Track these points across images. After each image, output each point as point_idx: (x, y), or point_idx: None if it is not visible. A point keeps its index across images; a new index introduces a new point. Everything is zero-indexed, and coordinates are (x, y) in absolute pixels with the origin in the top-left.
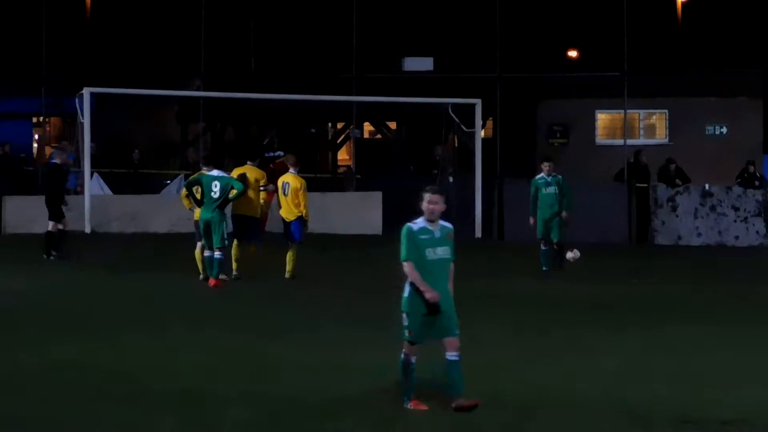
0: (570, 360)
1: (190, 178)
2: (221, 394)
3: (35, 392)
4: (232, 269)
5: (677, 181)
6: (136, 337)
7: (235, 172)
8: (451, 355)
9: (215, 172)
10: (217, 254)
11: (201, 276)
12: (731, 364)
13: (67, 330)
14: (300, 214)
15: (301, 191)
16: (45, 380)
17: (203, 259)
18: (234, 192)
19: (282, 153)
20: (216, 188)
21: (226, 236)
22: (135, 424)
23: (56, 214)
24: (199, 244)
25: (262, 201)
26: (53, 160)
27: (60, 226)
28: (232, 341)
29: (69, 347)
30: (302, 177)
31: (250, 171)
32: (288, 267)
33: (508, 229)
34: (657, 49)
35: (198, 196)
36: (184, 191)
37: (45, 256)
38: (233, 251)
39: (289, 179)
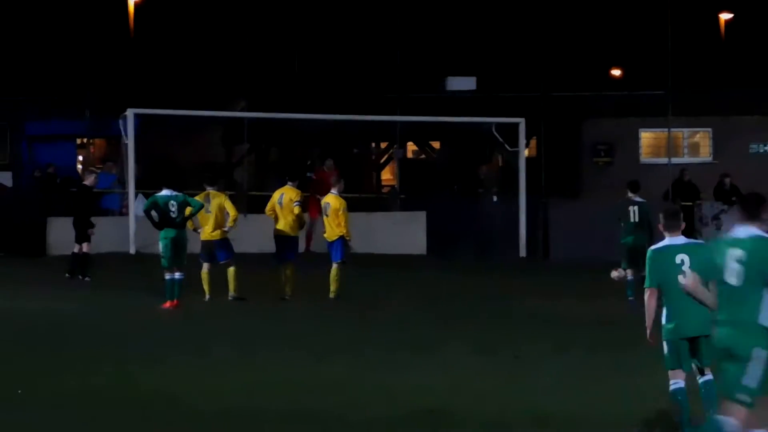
0: (615, 380)
1: (146, 203)
2: (268, 414)
3: (78, 414)
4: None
5: (733, 198)
6: (180, 358)
7: (277, 194)
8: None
9: (166, 192)
10: (177, 275)
11: (207, 296)
12: None
13: (110, 352)
14: (341, 234)
15: (341, 211)
16: (88, 402)
17: (209, 280)
18: (190, 209)
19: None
20: (174, 208)
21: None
22: None
23: (82, 237)
24: (205, 266)
25: (295, 217)
26: (83, 182)
27: (85, 249)
28: (276, 362)
29: (112, 369)
30: (345, 197)
31: (288, 191)
32: (332, 287)
33: (553, 248)
34: (700, 67)
35: (156, 219)
36: (186, 213)
37: (67, 274)
38: (287, 273)
39: (330, 200)
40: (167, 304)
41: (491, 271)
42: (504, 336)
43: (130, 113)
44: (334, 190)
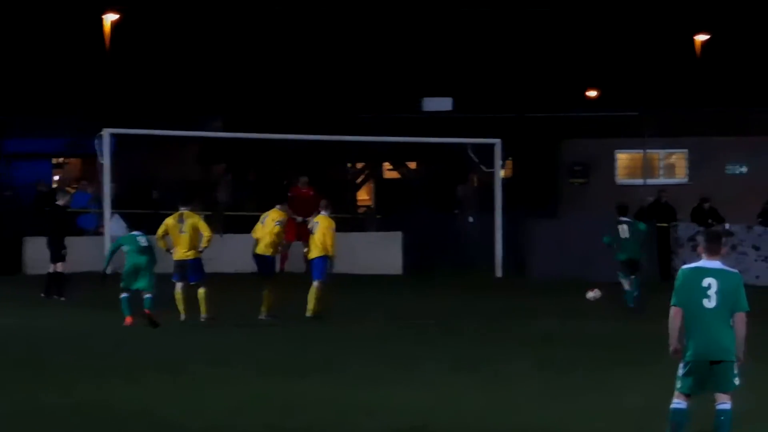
0: (591, 397)
1: (117, 241)
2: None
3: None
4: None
5: (710, 220)
6: (158, 376)
7: (263, 216)
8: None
9: (137, 233)
10: (147, 295)
11: (183, 316)
12: (758, 403)
13: (88, 369)
14: (324, 254)
15: (329, 230)
16: (66, 420)
17: (184, 299)
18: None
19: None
20: (143, 239)
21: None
22: None
23: (57, 256)
24: (179, 285)
25: (276, 236)
26: (57, 202)
27: (59, 269)
28: (255, 379)
29: (90, 387)
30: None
31: (273, 212)
32: (309, 305)
33: (530, 268)
34: (676, 88)
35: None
36: (159, 232)
37: (43, 294)
38: (265, 292)
39: (321, 219)
40: (129, 320)
41: (468, 291)
42: (483, 354)
43: (106, 133)
44: (324, 212)
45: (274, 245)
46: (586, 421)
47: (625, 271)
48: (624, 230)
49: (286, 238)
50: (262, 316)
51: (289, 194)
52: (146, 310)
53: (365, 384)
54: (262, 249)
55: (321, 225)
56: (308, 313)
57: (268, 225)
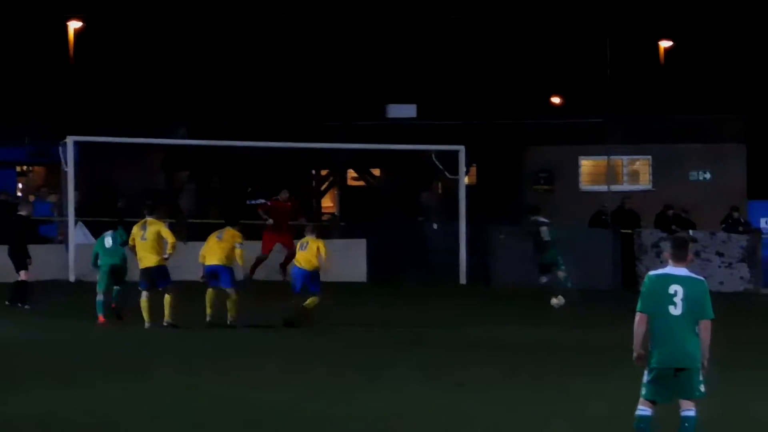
0: (556, 405)
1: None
2: None
3: None
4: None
5: (673, 227)
6: (123, 385)
7: (218, 231)
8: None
9: (109, 232)
10: (116, 287)
11: (147, 323)
12: (725, 408)
13: (51, 379)
14: (317, 266)
15: (321, 249)
16: (28, 430)
17: (149, 307)
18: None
19: (263, 200)
20: (109, 240)
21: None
22: None
23: (21, 265)
24: (144, 294)
25: (239, 260)
26: (19, 212)
27: (23, 277)
28: (220, 388)
29: (51, 396)
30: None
31: (230, 231)
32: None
33: (494, 275)
34: (640, 94)
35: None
36: (130, 242)
37: (7, 302)
38: (207, 298)
39: (309, 241)
40: (102, 319)
41: (433, 298)
42: (448, 362)
43: (69, 140)
44: (311, 234)
45: (232, 258)
46: (550, 428)
47: (546, 272)
48: (545, 232)
49: (262, 251)
50: (229, 321)
51: (269, 204)
52: (112, 304)
53: (329, 393)
54: (218, 262)
55: (310, 245)
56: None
57: (228, 240)
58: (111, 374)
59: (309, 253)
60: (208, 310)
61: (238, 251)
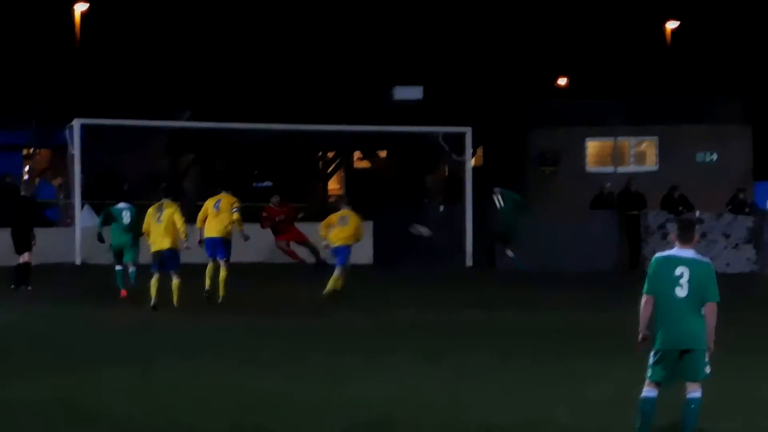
0: (559, 388)
1: (102, 215)
2: (209, 429)
3: (21, 428)
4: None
5: (680, 208)
6: (121, 370)
7: (212, 200)
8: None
9: (122, 205)
10: (132, 268)
11: (153, 301)
12: (731, 390)
13: (52, 364)
14: (352, 243)
15: (357, 221)
16: (32, 415)
17: (158, 288)
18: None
19: (270, 183)
20: (126, 216)
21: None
22: None
23: (22, 247)
24: (155, 275)
25: (238, 226)
26: (21, 193)
27: (26, 259)
28: (220, 373)
29: (52, 381)
30: (291, 207)
31: (225, 197)
32: (331, 286)
33: (499, 257)
34: (646, 76)
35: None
36: (144, 227)
37: (12, 286)
38: (207, 271)
39: (347, 214)
40: (124, 293)
41: (437, 281)
42: (449, 345)
43: (76, 123)
44: (346, 207)
45: (231, 229)
46: (552, 412)
47: (501, 243)
48: (498, 201)
49: (286, 237)
50: (218, 299)
51: (263, 214)
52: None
53: (328, 377)
54: (216, 234)
55: (352, 219)
56: (324, 292)
57: (226, 209)
58: (113, 359)
59: (350, 228)
60: (207, 282)
61: (235, 216)
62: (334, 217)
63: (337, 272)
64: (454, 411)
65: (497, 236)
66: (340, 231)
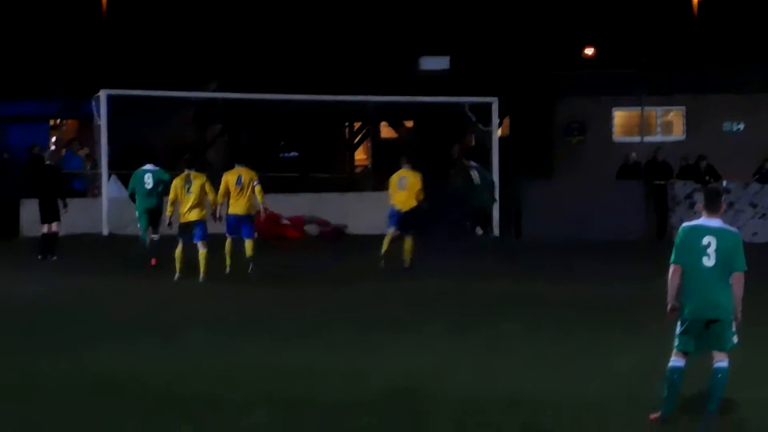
0: (585, 359)
1: (131, 183)
2: (238, 399)
3: (48, 399)
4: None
5: (707, 177)
6: (152, 341)
7: (231, 175)
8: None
9: (147, 166)
10: (155, 237)
11: (177, 275)
12: (750, 363)
13: (83, 334)
14: (416, 204)
15: (420, 182)
16: (58, 387)
17: (183, 259)
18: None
19: (296, 154)
20: (149, 180)
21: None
22: (153, 429)
23: (48, 217)
24: (180, 245)
25: (259, 197)
26: (46, 162)
27: (44, 230)
28: (248, 344)
29: (85, 352)
30: (317, 177)
31: (245, 172)
32: (407, 256)
33: (526, 228)
34: (673, 45)
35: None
36: (171, 197)
37: (39, 256)
38: (227, 248)
39: (407, 174)
40: (153, 261)
41: (464, 251)
42: (476, 317)
43: (102, 94)
44: (406, 166)
45: (253, 205)
46: (579, 383)
47: (474, 222)
48: (475, 176)
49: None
50: (406, 264)
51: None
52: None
53: (357, 348)
54: (242, 211)
55: (409, 180)
56: (405, 265)
57: (247, 186)
58: (139, 330)
59: (410, 192)
60: (228, 260)
61: (257, 188)
62: (394, 178)
63: (409, 239)
64: (482, 382)
65: (471, 213)
66: (399, 195)
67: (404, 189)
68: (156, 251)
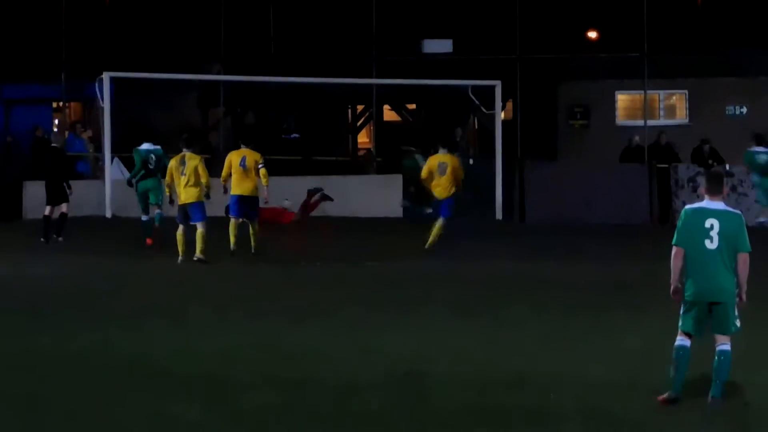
0: (592, 341)
1: (135, 169)
2: (244, 379)
3: (57, 378)
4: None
5: (710, 161)
6: (157, 321)
7: (236, 155)
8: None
9: (147, 146)
10: (157, 211)
11: (181, 258)
12: (761, 344)
13: (87, 316)
14: (454, 193)
15: (457, 169)
16: (67, 366)
17: (184, 241)
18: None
19: (298, 135)
20: (152, 160)
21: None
22: (158, 409)
23: (55, 199)
24: (181, 227)
25: (264, 180)
26: (52, 144)
27: (46, 212)
28: (252, 325)
29: (90, 333)
30: (319, 161)
31: (249, 154)
32: (430, 239)
33: (529, 211)
34: (677, 29)
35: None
36: (167, 179)
37: (42, 239)
38: (231, 229)
39: (445, 159)
40: (149, 241)
41: (467, 234)
42: (482, 298)
43: (105, 76)
44: (443, 150)
45: (257, 186)
46: (584, 364)
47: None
48: (420, 159)
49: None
50: (428, 246)
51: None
52: (155, 225)
53: (363, 329)
54: (248, 192)
55: (449, 165)
56: (426, 246)
57: (252, 167)
58: (144, 311)
59: (447, 179)
60: (232, 240)
61: (262, 171)
62: (433, 163)
63: (440, 222)
64: (487, 364)
65: (411, 194)
66: (438, 181)
67: (444, 175)
68: (152, 231)
